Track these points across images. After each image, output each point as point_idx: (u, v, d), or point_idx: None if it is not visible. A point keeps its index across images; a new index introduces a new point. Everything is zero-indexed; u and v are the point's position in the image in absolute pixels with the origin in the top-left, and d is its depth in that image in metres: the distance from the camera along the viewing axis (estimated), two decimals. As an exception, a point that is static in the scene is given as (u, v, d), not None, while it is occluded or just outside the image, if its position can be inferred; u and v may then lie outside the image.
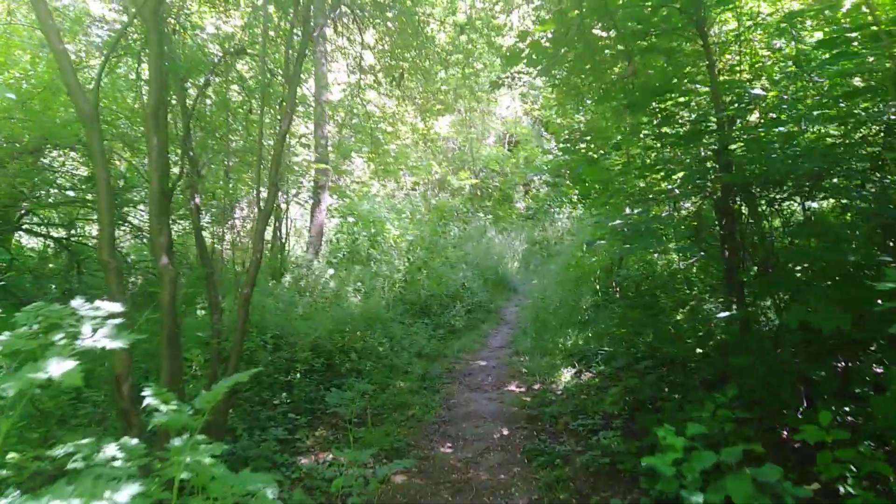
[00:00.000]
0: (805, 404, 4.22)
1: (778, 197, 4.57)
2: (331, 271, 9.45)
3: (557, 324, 8.00)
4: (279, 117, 4.56)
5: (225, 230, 13.97)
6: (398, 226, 12.54)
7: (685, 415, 4.34)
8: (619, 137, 6.75)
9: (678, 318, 5.92)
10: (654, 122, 4.94)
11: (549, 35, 4.98)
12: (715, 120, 4.53)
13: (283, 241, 11.48)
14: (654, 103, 4.91)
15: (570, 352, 6.90)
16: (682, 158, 5.16)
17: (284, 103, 4.59)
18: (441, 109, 8.69)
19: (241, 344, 4.35)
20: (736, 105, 4.64)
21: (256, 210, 4.34)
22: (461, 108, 15.64)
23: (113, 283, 3.42)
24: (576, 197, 17.53)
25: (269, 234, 13.15)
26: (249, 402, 5.29)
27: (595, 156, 8.35)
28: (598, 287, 8.28)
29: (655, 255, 10.41)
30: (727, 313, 4.99)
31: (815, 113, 4.07)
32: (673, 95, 4.79)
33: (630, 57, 4.32)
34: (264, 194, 4.44)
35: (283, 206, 11.03)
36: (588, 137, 7.26)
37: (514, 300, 11.08)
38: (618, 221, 4.60)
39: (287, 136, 4.52)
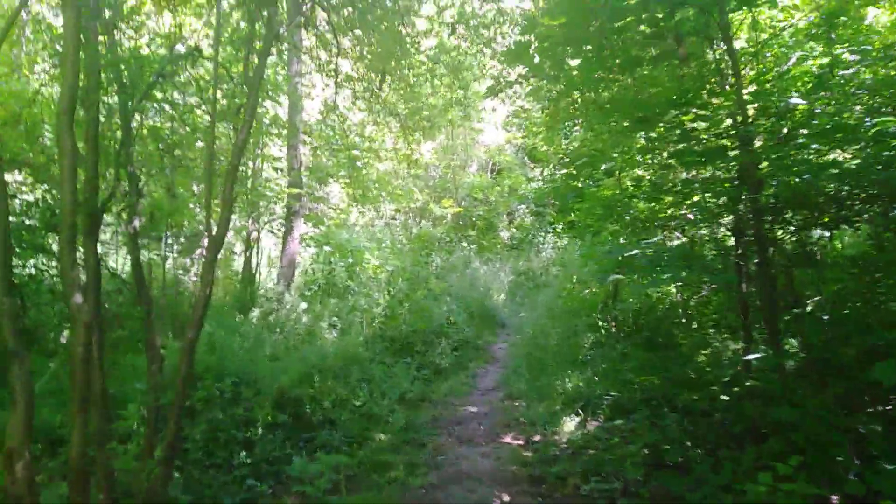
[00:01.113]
0: (857, 462, 3.55)
1: (820, 221, 3.99)
2: (304, 305, 8.64)
3: (553, 363, 7.27)
4: (238, 127, 3.84)
5: (192, 260, 13.11)
6: (378, 256, 11.80)
7: (721, 478, 3.64)
8: (618, 159, 6.19)
9: (699, 359, 5.23)
10: (673, 137, 4.33)
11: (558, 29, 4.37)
12: (740, 134, 3.96)
13: (255, 272, 10.66)
14: (670, 116, 4.34)
15: (571, 396, 6.16)
16: (700, 179, 4.55)
17: (243, 111, 3.89)
18: (426, 128, 8.08)
19: (183, 399, 3.54)
20: (766, 120, 4.08)
21: (206, 237, 3.58)
22: (446, 131, 15.14)
23: (7, 328, 2.63)
24: (561, 227, 17.04)
25: (239, 265, 12.32)
26: (199, 466, 4.42)
27: (592, 179, 7.81)
28: (599, 322, 7.60)
29: (653, 287, 9.85)
30: (755, 355, 4.34)
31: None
32: (689, 109, 4.20)
33: (681, 38, 3.70)
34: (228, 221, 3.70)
35: (255, 234, 10.24)
36: (583, 160, 6.67)
37: (502, 335, 10.34)
38: (635, 251, 3.92)
39: (245, 148, 3.80)
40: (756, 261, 4.03)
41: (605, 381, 6.20)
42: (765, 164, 3.98)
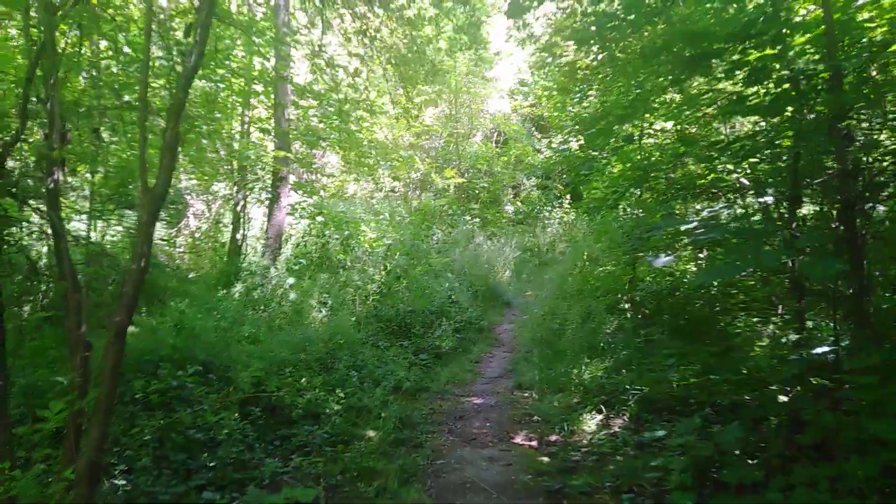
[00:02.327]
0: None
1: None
2: (291, 280, 7.82)
3: (568, 349, 6.49)
4: (188, 51, 2.96)
5: (179, 230, 12.30)
6: (375, 228, 10.96)
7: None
8: (655, 114, 5.30)
9: (753, 351, 4.42)
10: (738, 78, 3.43)
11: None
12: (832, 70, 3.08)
13: (241, 243, 9.84)
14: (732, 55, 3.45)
15: (590, 388, 5.39)
16: (768, 133, 3.67)
17: (193, 32, 3.02)
18: (429, 73, 7.12)
19: (111, 400, 2.74)
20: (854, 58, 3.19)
21: (141, 190, 2.74)
22: (448, 98, 14.16)
23: None
24: (569, 200, 16.12)
25: (226, 236, 11.49)
26: (148, 474, 3.65)
27: (611, 147, 6.93)
28: (624, 304, 6.79)
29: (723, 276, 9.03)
30: (825, 348, 3.54)
31: None
32: (764, 39, 3.30)
33: None
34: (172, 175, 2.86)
35: (241, 203, 9.39)
36: (606, 121, 5.75)
37: (508, 316, 9.55)
38: (692, 223, 3.05)
39: (193, 77, 2.94)
40: (842, 233, 3.17)
41: (630, 373, 5.41)
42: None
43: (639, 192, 7.15)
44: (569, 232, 15.61)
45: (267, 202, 8.82)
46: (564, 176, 15.34)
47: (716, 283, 7.56)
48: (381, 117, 9.42)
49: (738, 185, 4.28)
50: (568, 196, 16.84)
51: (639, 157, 5.45)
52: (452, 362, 6.80)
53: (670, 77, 4.05)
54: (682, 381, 4.73)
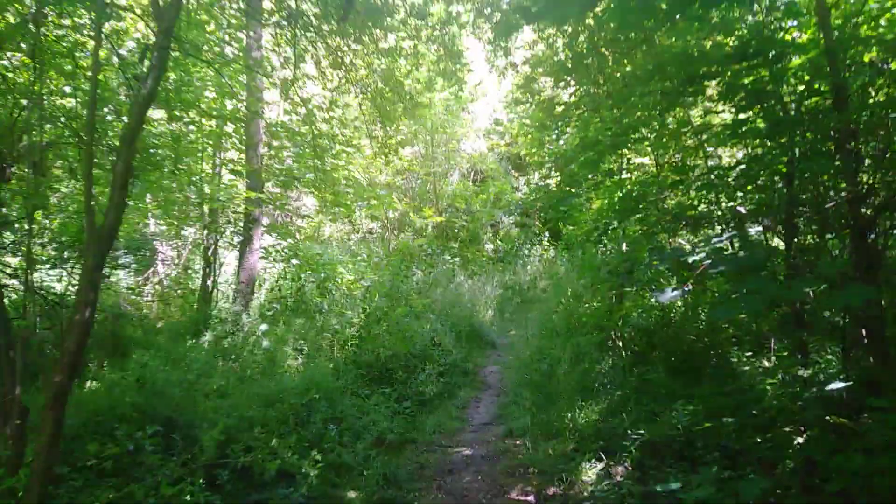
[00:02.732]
0: None
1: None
2: (264, 326, 7.41)
3: (559, 392, 6.16)
4: (143, 76, 2.69)
5: (147, 278, 11.78)
6: (353, 270, 10.63)
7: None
8: (648, 140, 5.17)
9: (760, 389, 4.15)
10: (737, 98, 3.27)
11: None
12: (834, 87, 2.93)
13: (212, 289, 9.40)
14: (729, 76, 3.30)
15: (586, 434, 5.05)
16: (766, 156, 3.50)
17: (150, 53, 2.76)
18: (407, 107, 6.93)
19: (47, 475, 2.33)
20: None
21: (87, 230, 2.42)
22: (425, 139, 14.10)
23: None
24: (547, 238, 16.02)
25: (197, 283, 11.01)
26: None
27: (594, 180, 6.82)
28: (615, 340, 6.53)
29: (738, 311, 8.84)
30: (839, 384, 3.29)
31: None
32: (760, 60, 3.17)
33: None
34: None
35: (210, 246, 9.00)
36: (589, 154, 5.58)
37: (493, 357, 9.20)
38: (699, 255, 2.81)
39: (149, 107, 2.66)
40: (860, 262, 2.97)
41: (628, 415, 5.09)
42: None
43: (627, 225, 6.99)
44: (549, 269, 15.46)
45: (238, 245, 8.44)
46: (542, 214, 15.31)
47: (703, 317, 7.41)
48: (356, 156, 9.21)
49: (733, 215, 4.11)
50: (546, 233, 16.80)
51: (627, 187, 5.28)
52: (438, 409, 6.40)
53: (662, 103, 3.91)
54: (687, 425, 4.42)
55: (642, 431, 4.65)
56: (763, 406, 3.72)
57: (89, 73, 4.28)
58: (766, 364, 6.52)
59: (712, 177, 3.61)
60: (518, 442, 5.40)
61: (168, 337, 7.89)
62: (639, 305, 8.67)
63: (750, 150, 4.06)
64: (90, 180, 2.59)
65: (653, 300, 8.65)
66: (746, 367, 6.25)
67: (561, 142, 10.09)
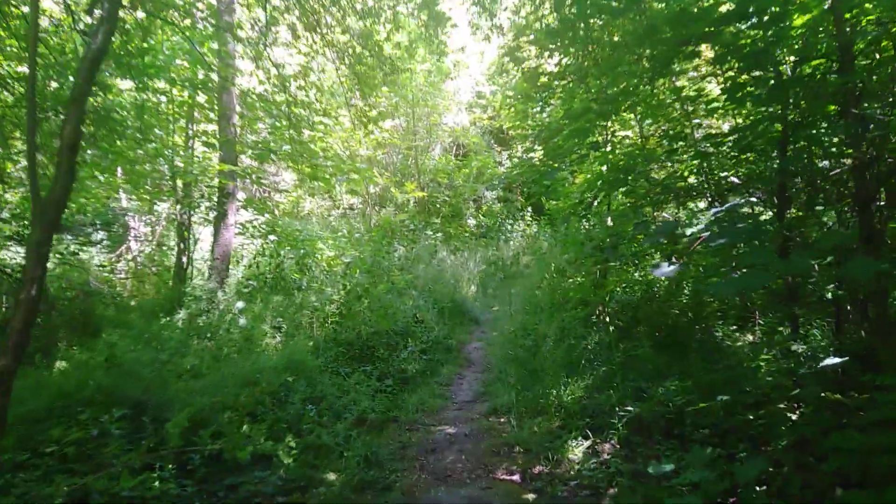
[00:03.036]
0: None
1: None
2: (240, 304, 7.17)
3: (543, 368, 6.06)
4: (92, 30, 2.42)
5: (120, 255, 11.41)
6: (333, 246, 10.39)
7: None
8: (639, 109, 4.98)
9: (756, 363, 4.06)
10: (734, 61, 3.09)
11: None
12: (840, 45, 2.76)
13: (186, 266, 9.12)
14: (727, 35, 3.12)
15: (572, 410, 4.95)
16: (761, 125, 3.34)
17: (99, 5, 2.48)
18: (387, 75, 6.64)
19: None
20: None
21: (32, 201, 2.17)
22: (406, 111, 13.75)
23: None
24: (529, 212, 15.89)
25: (172, 260, 10.68)
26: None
27: (578, 154, 6.64)
28: (601, 316, 6.43)
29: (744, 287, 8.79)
30: (837, 360, 3.19)
31: None
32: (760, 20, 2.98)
33: None
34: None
35: (185, 221, 8.69)
36: (575, 125, 5.38)
37: (476, 333, 9.09)
38: (699, 226, 2.65)
39: (100, 61, 2.39)
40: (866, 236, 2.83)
41: (615, 391, 5.01)
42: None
43: (613, 198, 6.85)
44: (532, 245, 15.36)
45: (213, 220, 8.14)
46: (525, 189, 15.13)
47: (686, 292, 7.35)
48: (336, 128, 8.89)
49: (726, 186, 3.97)
50: (529, 209, 16.66)
51: (614, 159, 5.11)
52: (421, 387, 6.27)
53: (651, 69, 3.71)
54: (676, 402, 4.34)
55: (630, 408, 4.56)
56: (757, 383, 3.63)
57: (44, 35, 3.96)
58: (751, 338, 6.51)
59: (707, 145, 3.45)
60: (502, 419, 5.29)
61: (141, 315, 7.62)
62: (622, 280, 8.61)
63: (743, 120, 3.90)
64: (33, 146, 2.33)
65: (636, 275, 8.60)
66: (735, 343, 6.22)
67: (545, 114, 9.87)
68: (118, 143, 5.85)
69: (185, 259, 8.96)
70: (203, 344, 6.36)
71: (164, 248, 11.19)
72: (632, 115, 5.73)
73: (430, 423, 5.31)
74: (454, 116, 16.56)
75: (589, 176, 11.86)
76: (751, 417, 3.58)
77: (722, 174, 3.90)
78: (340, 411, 5.13)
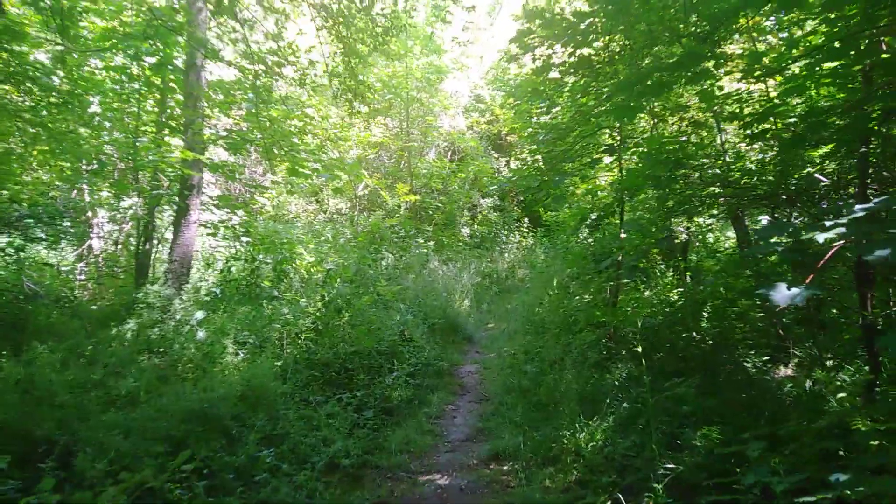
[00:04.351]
0: None
1: None
2: (199, 314, 6.17)
3: (552, 401, 5.12)
4: None
5: (81, 255, 10.35)
6: (314, 252, 9.40)
7: None
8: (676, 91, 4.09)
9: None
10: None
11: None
12: None
13: (148, 268, 8.10)
14: None
15: (593, 461, 4.01)
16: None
17: None
18: (378, 42, 5.67)
19: None
20: None
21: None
22: (398, 109, 12.85)
23: None
24: (525, 223, 15.01)
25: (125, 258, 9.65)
26: None
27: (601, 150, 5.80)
28: (637, 345, 5.53)
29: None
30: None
31: None
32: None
33: None
34: None
35: (141, 215, 7.69)
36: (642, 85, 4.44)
37: (470, 354, 8.12)
38: (839, 229, 1.74)
39: None
40: None
41: (644, 437, 4.08)
42: None
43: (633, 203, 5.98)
44: (528, 257, 14.46)
45: (173, 217, 7.13)
46: (526, 197, 14.25)
47: (706, 314, 6.47)
48: (318, 118, 7.95)
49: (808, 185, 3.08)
50: (525, 219, 15.77)
51: (653, 147, 4.19)
52: (407, 420, 5.29)
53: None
54: (719, 451, 3.42)
55: (672, 465, 3.63)
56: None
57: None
58: (787, 371, 5.65)
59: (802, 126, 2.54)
60: (506, 467, 4.33)
61: (87, 325, 6.60)
62: (634, 300, 7.73)
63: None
64: None
65: (646, 294, 7.73)
66: (764, 375, 5.39)
67: (548, 116, 8.99)
68: (47, 114, 4.87)
69: (144, 260, 7.95)
70: (150, 361, 5.34)
71: (132, 248, 10.17)
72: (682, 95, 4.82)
73: (416, 471, 4.33)
74: (451, 120, 15.69)
75: (603, 182, 10.89)
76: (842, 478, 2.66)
77: (801, 172, 3.01)
78: (307, 454, 4.14)
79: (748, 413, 4.45)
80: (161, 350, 5.81)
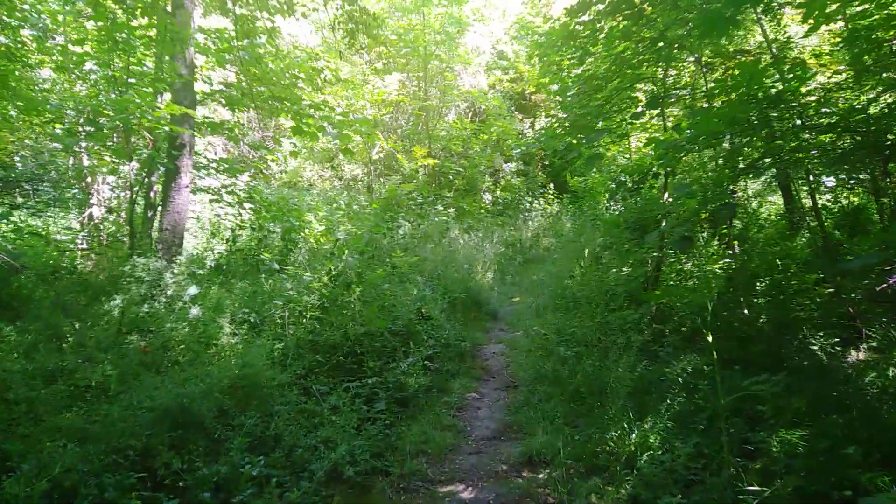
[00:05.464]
0: None
1: None
2: (193, 289, 5.52)
3: (593, 392, 4.38)
4: None
5: (82, 223, 9.80)
6: (325, 220, 8.71)
7: None
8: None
9: None
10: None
11: None
12: None
13: (143, 236, 7.47)
14: None
15: (648, 473, 3.28)
16: None
17: None
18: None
19: None
20: None
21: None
22: (416, 63, 11.91)
23: None
24: (559, 184, 14.12)
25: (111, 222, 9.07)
26: None
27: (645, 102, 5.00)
28: (707, 332, 4.78)
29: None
30: None
31: None
32: None
33: None
34: None
35: (130, 178, 7.01)
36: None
37: (494, 332, 7.40)
38: None
39: None
40: None
41: (701, 437, 3.36)
42: None
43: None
44: (554, 225, 13.60)
45: (161, 181, 6.43)
46: (553, 160, 13.30)
47: (759, 289, 5.71)
48: (326, 73, 7.12)
49: None
50: (551, 184, 14.84)
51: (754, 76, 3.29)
52: (424, 412, 4.61)
53: None
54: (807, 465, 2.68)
55: (755, 487, 2.87)
56: None
57: None
58: (858, 356, 4.88)
59: None
60: (542, 476, 3.62)
61: (70, 300, 6.00)
62: (673, 272, 6.94)
63: None
64: None
65: (688, 265, 6.94)
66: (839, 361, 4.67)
67: (580, 69, 8.00)
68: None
69: (141, 229, 7.31)
70: (131, 344, 4.71)
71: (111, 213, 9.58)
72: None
73: (435, 479, 3.65)
74: (471, 78, 14.68)
75: (635, 145, 9.86)
76: None
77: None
78: (305, 460, 3.48)
79: (828, 408, 3.72)
80: (151, 330, 5.18)
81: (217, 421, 3.56)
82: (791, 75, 2.63)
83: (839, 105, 2.75)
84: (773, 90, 2.63)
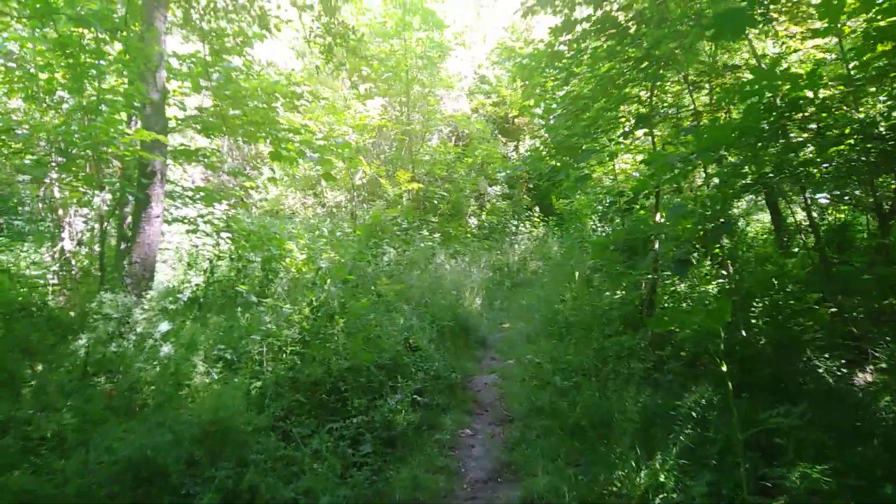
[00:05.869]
0: None
1: None
2: (164, 326, 5.17)
3: (594, 425, 4.10)
4: None
5: (52, 253, 9.37)
6: (305, 247, 8.40)
7: None
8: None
9: None
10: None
11: None
12: None
13: (106, 269, 7.09)
14: None
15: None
16: None
17: None
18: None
19: None
20: None
21: None
22: (399, 87, 11.78)
23: None
24: (545, 207, 13.99)
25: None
26: None
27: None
28: (720, 361, 4.55)
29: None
30: None
31: None
32: None
33: None
34: None
35: (101, 209, 6.68)
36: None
37: (486, 361, 7.09)
38: None
39: None
40: None
41: (713, 473, 3.09)
42: None
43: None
44: (540, 248, 13.43)
45: (130, 211, 6.11)
46: (539, 183, 13.19)
47: (762, 304, 5.54)
48: (306, 95, 6.91)
49: None
50: (537, 207, 14.72)
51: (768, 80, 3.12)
52: (414, 453, 4.28)
53: None
54: None
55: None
56: None
57: None
58: (867, 378, 4.68)
59: None
60: (545, 523, 3.31)
61: (41, 338, 5.61)
62: (666, 294, 6.79)
63: None
64: None
65: (681, 286, 6.79)
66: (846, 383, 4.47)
67: (563, 91, 7.89)
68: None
69: (113, 262, 6.95)
70: (95, 388, 4.34)
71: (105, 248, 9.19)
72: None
73: (429, 531, 3.32)
74: (454, 102, 14.61)
75: (619, 167, 9.75)
76: None
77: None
78: (284, 512, 3.14)
79: (847, 438, 3.50)
80: (118, 371, 4.81)
81: (186, 473, 3.21)
82: (806, 81, 2.45)
83: (858, 112, 2.57)
84: (790, 97, 2.44)
